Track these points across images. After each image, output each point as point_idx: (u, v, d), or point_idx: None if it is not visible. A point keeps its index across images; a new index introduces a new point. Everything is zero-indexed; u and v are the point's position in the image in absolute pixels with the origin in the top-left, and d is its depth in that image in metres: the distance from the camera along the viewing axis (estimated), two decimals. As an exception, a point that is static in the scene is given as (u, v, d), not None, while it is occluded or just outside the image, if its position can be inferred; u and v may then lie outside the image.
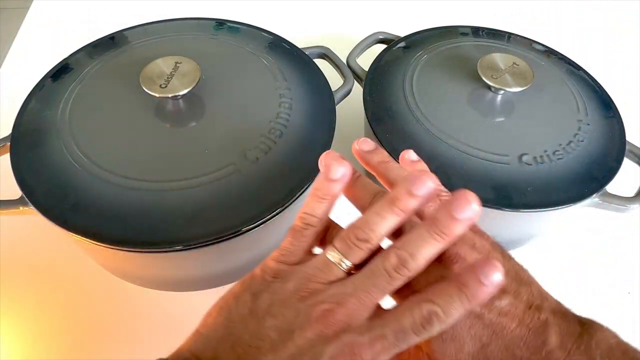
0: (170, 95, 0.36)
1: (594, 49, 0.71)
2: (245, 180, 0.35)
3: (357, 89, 0.46)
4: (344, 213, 0.27)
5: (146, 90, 0.36)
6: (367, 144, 0.28)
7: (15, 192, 0.34)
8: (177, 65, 0.38)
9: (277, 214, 0.34)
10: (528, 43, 0.52)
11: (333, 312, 0.22)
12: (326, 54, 0.48)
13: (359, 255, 0.24)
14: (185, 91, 0.36)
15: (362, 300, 0.23)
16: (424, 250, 0.23)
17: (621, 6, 0.81)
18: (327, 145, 0.38)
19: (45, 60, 0.44)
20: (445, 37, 0.50)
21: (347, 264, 0.24)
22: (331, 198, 0.26)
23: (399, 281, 0.23)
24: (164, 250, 0.32)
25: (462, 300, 0.21)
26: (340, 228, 0.26)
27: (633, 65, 0.70)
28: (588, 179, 0.38)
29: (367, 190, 0.27)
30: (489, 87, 0.42)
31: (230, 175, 0.35)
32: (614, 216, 0.35)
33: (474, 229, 0.26)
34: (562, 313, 0.24)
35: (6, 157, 0.36)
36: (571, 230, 0.46)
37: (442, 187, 0.27)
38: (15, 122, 0.38)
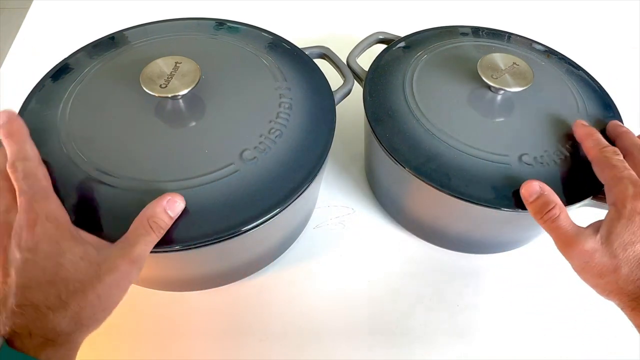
0: (170, 95, 0.36)
1: (594, 49, 0.72)
2: (245, 180, 0.35)
3: (357, 89, 0.46)
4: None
5: (146, 90, 0.36)
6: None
7: (15, 192, 0.34)
8: (177, 65, 0.38)
9: (277, 214, 0.34)
10: (528, 43, 0.52)
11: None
12: (326, 54, 0.48)
13: None
14: (185, 91, 0.36)
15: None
16: None
17: (621, 6, 0.81)
18: (327, 145, 0.38)
19: (45, 60, 0.44)
20: (445, 37, 0.50)
21: None
22: None
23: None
24: (164, 250, 0.32)
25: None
26: None
27: (633, 65, 0.70)
28: (588, 179, 0.38)
29: None
30: (489, 87, 0.42)
31: (230, 175, 0.35)
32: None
33: None
34: None
35: (6, 157, 0.36)
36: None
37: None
38: (15, 122, 0.38)
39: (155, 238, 0.31)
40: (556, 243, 0.34)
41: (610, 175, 0.34)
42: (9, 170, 0.30)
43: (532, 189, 0.35)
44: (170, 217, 0.32)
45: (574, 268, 0.34)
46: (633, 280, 0.31)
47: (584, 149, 0.38)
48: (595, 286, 0.33)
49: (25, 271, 0.27)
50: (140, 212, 0.31)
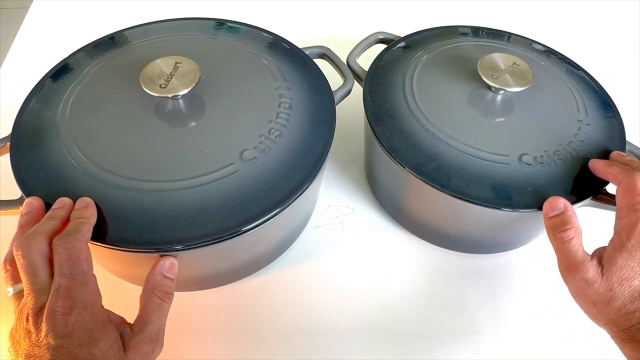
0: (170, 95, 0.36)
1: (594, 49, 0.72)
2: (245, 180, 0.35)
3: (357, 89, 0.46)
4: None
5: (146, 90, 0.36)
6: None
7: (15, 192, 0.34)
8: (177, 65, 0.38)
9: (277, 214, 0.34)
10: (528, 43, 0.52)
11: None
12: (326, 54, 0.48)
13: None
14: (185, 91, 0.36)
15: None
16: None
17: (621, 6, 0.81)
18: (327, 145, 0.38)
19: (45, 60, 0.44)
20: (445, 37, 0.50)
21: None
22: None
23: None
24: (164, 250, 0.32)
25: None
26: None
27: (633, 65, 0.70)
28: (588, 179, 0.38)
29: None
30: (489, 87, 0.42)
31: (230, 175, 0.35)
32: (614, 216, 0.35)
33: None
34: None
35: (6, 157, 0.36)
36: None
37: None
38: (15, 122, 0.38)
39: (168, 305, 0.32)
40: (560, 264, 0.34)
41: (629, 203, 0.33)
42: (55, 243, 0.30)
43: (555, 204, 0.35)
44: (172, 279, 0.33)
45: (570, 291, 0.34)
46: (624, 313, 0.31)
47: (612, 167, 0.36)
48: (587, 312, 0.34)
49: (60, 358, 0.27)
50: (143, 287, 0.32)
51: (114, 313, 0.31)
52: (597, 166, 0.38)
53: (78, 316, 0.28)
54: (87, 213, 0.32)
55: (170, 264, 0.33)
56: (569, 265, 0.33)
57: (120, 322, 0.31)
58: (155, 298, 0.31)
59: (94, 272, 0.30)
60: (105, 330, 0.29)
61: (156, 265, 0.32)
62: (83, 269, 0.29)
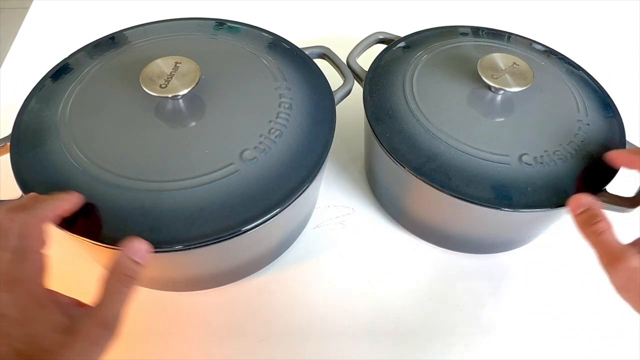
0: (170, 95, 0.36)
1: (594, 49, 0.72)
2: (245, 180, 0.35)
3: (357, 89, 0.46)
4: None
5: (146, 90, 0.36)
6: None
7: (15, 192, 0.34)
8: (177, 65, 0.38)
9: (277, 214, 0.34)
10: (528, 43, 0.52)
11: None
12: (326, 54, 0.48)
13: None
14: (185, 91, 0.36)
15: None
16: None
17: (621, 6, 0.81)
18: (327, 145, 0.38)
19: (45, 60, 0.44)
20: (445, 37, 0.50)
21: None
22: None
23: None
24: (164, 250, 0.32)
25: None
26: None
27: (633, 65, 0.70)
28: (588, 179, 0.38)
29: None
30: (489, 87, 0.42)
31: (230, 175, 0.35)
32: (614, 216, 0.35)
33: None
34: None
35: (6, 157, 0.36)
36: (571, 230, 0.46)
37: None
38: (15, 122, 0.38)
39: (128, 291, 0.29)
40: (600, 258, 0.33)
41: None
42: (5, 217, 0.28)
43: (580, 201, 0.34)
44: (138, 263, 0.30)
45: (615, 286, 0.32)
46: None
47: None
48: (638, 306, 0.32)
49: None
50: (107, 269, 0.29)
51: (63, 295, 0.29)
52: (620, 155, 0.37)
53: (10, 294, 0.26)
54: (57, 197, 0.30)
55: (142, 248, 0.30)
56: (610, 258, 0.31)
57: (69, 304, 0.29)
58: (114, 281, 0.29)
59: (43, 252, 0.28)
60: (43, 312, 0.26)
61: (124, 247, 0.30)
62: (25, 244, 0.27)
